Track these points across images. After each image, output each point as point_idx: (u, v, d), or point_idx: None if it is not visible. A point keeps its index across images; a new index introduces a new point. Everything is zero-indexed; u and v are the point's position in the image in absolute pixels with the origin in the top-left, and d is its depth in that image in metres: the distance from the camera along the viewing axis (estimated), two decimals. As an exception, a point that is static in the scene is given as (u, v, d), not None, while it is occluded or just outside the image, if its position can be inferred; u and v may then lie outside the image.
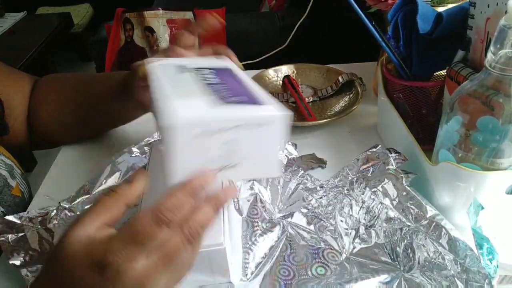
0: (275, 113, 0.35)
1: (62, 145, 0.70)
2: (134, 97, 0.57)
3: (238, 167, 0.36)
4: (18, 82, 0.66)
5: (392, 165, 0.51)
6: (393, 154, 0.51)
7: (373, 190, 0.50)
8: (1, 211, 0.54)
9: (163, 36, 1.44)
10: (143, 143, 0.66)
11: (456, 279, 0.41)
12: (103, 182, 0.59)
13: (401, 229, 0.46)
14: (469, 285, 0.40)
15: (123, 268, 0.30)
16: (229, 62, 0.48)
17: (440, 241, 0.44)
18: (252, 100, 0.36)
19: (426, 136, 0.58)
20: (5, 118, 0.60)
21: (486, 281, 0.39)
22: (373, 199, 0.49)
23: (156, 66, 0.43)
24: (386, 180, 0.50)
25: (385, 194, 0.50)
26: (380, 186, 0.50)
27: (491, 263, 0.41)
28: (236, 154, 0.35)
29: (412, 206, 0.48)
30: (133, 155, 0.63)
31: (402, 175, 0.50)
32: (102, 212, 0.33)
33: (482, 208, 0.42)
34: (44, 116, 0.66)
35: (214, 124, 0.33)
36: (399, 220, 0.47)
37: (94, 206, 0.34)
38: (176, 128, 0.32)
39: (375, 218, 0.48)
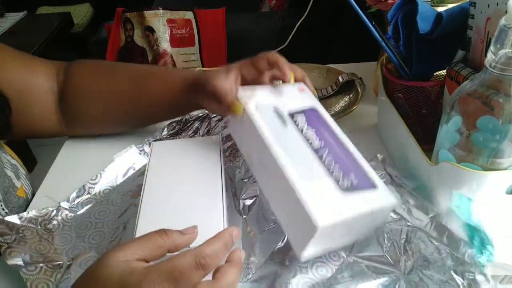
0: (392, 201, 0.39)
1: (100, 134, 0.69)
2: (201, 107, 0.58)
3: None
4: (32, 69, 0.63)
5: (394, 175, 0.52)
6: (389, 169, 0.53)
7: None
8: (6, 213, 0.54)
9: (163, 36, 1.44)
10: (143, 142, 0.66)
11: (452, 272, 0.41)
12: (104, 183, 0.59)
13: (401, 229, 0.47)
14: (464, 276, 0.40)
15: None
16: (309, 96, 0.51)
17: (440, 238, 0.45)
18: (366, 182, 0.41)
19: (426, 136, 0.58)
20: (11, 117, 0.58)
21: (477, 270, 0.40)
22: None
23: (253, 111, 0.46)
24: (389, 186, 0.51)
25: None
26: None
27: (484, 252, 0.42)
28: (353, 232, 0.40)
29: (413, 208, 0.48)
30: (134, 154, 0.63)
31: (405, 182, 0.51)
32: (147, 248, 0.35)
33: (470, 200, 0.42)
34: (85, 107, 0.64)
35: (348, 221, 0.37)
36: (399, 221, 0.47)
37: (141, 238, 0.35)
38: (318, 229, 0.35)
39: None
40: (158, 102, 0.62)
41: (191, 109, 0.64)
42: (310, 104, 0.50)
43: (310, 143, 0.44)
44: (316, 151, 0.43)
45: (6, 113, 0.56)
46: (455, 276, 0.41)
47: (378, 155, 0.54)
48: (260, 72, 0.54)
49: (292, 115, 0.47)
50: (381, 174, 0.52)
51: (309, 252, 0.38)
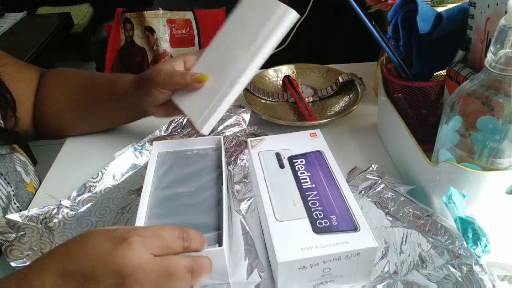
0: (370, 244, 0.40)
1: (64, 137, 0.71)
2: (147, 113, 0.62)
3: (333, 282, 0.43)
4: (28, 76, 0.67)
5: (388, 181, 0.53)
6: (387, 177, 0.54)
7: (371, 200, 0.51)
8: (17, 207, 0.55)
9: (163, 36, 1.44)
10: (144, 141, 0.66)
11: (449, 265, 0.42)
12: (104, 181, 0.59)
13: (397, 231, 0.47)
14: (461, 269, 0.41)
15: (136, 245, 0.33)
16: (319, 140, 0.55)
17: (436, 235, 0.45)
18: (348, 224, 0.42)
19: (426, 136, 0.58)
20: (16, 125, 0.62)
21: (473, 261, 0.41)
22: (370, 208, 0.50)
23: (255, 154, 0.53)
24: (384, 192, 0.52)
25: (383, 202, 0.50)
26: (378, 196, 0.51)
27: (479, 244, 0.42)
28: (333, 274, 0.42)
29: (409, 209, 0.48)
30: (134, 153, 0.64)
31: (401, 187, 0.51)
32: (160, 236, 0.36)
33: (464, 195, 0.43)
34: (49, 109, 0.67)
35: (313, 260, 0.40)
36: (395, 222, 0.48)
37: (158, 228, 0.37)
38: (280, 264, 0.39)
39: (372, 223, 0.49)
40: (103, 105, 0.65)
41: (137, 114, 0.66)
42: (316, 148, 0.54)
43: (302, 185, 0.48)
44: (304, 192, 0.47)
45: (13, 111, 0.60)
46: (452, 270, 0.41)
47: (373, 166, 0.55)
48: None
49: (291, 159, 0.52)
50: (375, 181, 0.53)
51: (285, 285, 0.42)
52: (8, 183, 0.55)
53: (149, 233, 0.35)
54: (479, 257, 0.42)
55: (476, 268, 0.40)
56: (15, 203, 0.55)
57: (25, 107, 0.66)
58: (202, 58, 0.56)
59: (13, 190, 0.56)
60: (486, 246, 0.42)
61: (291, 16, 0.48)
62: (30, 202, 0.59)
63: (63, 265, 0.34)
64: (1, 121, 0.59)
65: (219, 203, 0.47)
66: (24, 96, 0.66)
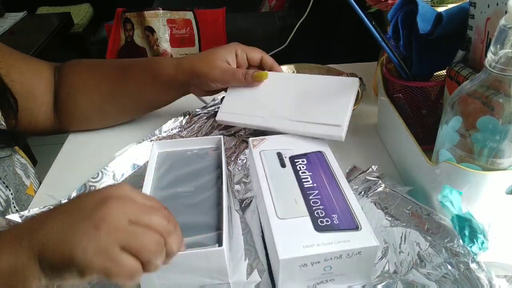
0: (372, 242, 0.40)
1: (102, 128, 0.72)
2: (190, 92, 0.66)
3: (333, 281, 0.43)
4: (38, 70, 0.66)
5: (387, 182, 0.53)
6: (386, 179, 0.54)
7: (371, 200, 0.51)
8: (17, 210, 0.55)
9: (163, 36, 1.44)
10: (144, 141, 0.66)
11: (447, 264, 0.42)
12: (105, 181, 0.59)
13: (395, 230, 0.47)
14: (459, 267, 0.41)
15: (117, 202, 0.34)
16: (321, 140, 0.55)
17: (434, 234, 0.45)
18: (349, 223, 0.42)
19: (426, 136, 0.58)
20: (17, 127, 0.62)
21: (471, 259, 0.41)
22: (370, 209, 0.50)
23: (257, 154, 0.53)
24: (384, 192, 0.52)
25: (383, 203, 0.50)
26: (377, 197, 0.51)
27: (475, 242, 0.42)
28: (334, 273, 0.42)
29: (408, 209, 0.48)
30: (135, 153, 0.63)
31: (401, 187, 0.52)
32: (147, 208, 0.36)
33: (460, 193, 0.43)
34: (82, 103, 0.66)
35: (314, 257, 0.40)
36: (394, 222, 0.48)
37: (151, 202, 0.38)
38: (282, 261, 0.39)
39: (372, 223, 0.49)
40: (142, 91, 0.65)
41: (179, 95, 0.68)
42: (318, 148, 0.54)
43: (303, 184, 0.47)
44: (305, 191, 0.46)
45: (15, 114, 0.60)
46: (450, 268, 0.41)
47: (373, 166, 0.55)
48: (249, 64, 0.65)
49: (293, 158, 0.52)
50: (375, 181, 0.53)
51: (287, 284, 0.42)
52: (7, 186, 0.55)
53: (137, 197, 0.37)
54: (475, 254, 0.42)
55: (473, 266, 0.40)
56: (14, 207, 0.55)
57: (43, 101, 0.65)
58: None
59: (12, 194, 0.55)
60: (483, 243, 0.42)
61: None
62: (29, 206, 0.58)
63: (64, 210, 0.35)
64: (3, 123, 0.59)
65: (219, 203, 0.47)
66: (38, 91, 0.65)
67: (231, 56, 0.62)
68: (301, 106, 0.59)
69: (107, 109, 0.67)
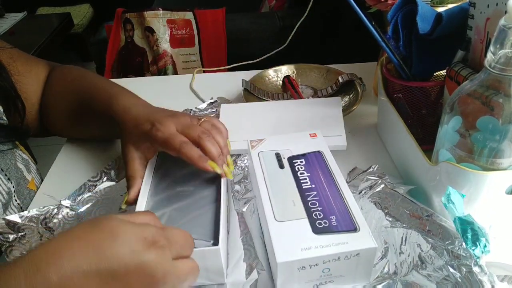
0: (370, 244, 0.40)
1: (67, 137, 0.71)
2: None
3: (332, 282, 0.43)
4: (34, 70, 0.66)
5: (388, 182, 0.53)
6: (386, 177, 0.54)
7: (371, 200, 0.51)
8: (18, 204, 0.55)
9: (163, 36, 1.44)
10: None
11: (448, 266, 0.42)
12: (104, 181, 0.59)
13: (396, 231, 0.47)
14: (461, 270, 0.41)
15: (165, 250, 0.35)
16: (320, 141, 0.55)
17: (435, 236, 0.45)
18: (348, 224, 0.42)
19: (426, 136, 0.58)
20: (25, 120, 0.61)
21: (473, 262, 0.41)
22: (370, 209, 0.50)
23: (255, 155, 0.53)
24: (384, 192, 0.52)
25: (383, 203, 0.50)
26: (378, 197, 0.51)
27: (478, 245, 0.42)
28: (332, 275, 0.42)
29: (409, 210, 0.48)
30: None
31: (401, 187, 0.52)
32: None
33: (463, 195, 0.43)
34: (53, 109, 0.66)
35: (313, 260, 0.40)
36: (395, 223, 0.48)
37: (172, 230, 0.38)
38: (280, 265, 0.39)
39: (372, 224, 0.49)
40: (100, 121, 0.60)
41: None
42: (317, 148, 0.53)
43: (302, 185, 0.47)
44: (304, 193, 0.46)
45: (22, 118, 0.60)
46: (451, 270, 0.41)
47: (373, 166, 0.55)
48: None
49: (291, 159, 0.52)
50: (375, 181, 0.53)
51: (285, 285, 0.42)
52: (9, 179, 0.55)
53: (174, 240, 0.37)
54: (478, 258, 0.42)
55: (476, 269, 0.40)
56: (16, 200, 0.55)
57: (32, 101, 0.65)
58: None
59: (13, 187, 0.55)
60: (485, 246, 0.42)
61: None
62: (32, 199, 0.59)
63: (88, 262, 0.31)
64: (5, 118, 0.59)
65: (219, 202, 0.47)
66: (30, 90, 0.64)
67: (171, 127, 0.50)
68: (300, 125, 0.64)
69: (68, 123, 0.66)
